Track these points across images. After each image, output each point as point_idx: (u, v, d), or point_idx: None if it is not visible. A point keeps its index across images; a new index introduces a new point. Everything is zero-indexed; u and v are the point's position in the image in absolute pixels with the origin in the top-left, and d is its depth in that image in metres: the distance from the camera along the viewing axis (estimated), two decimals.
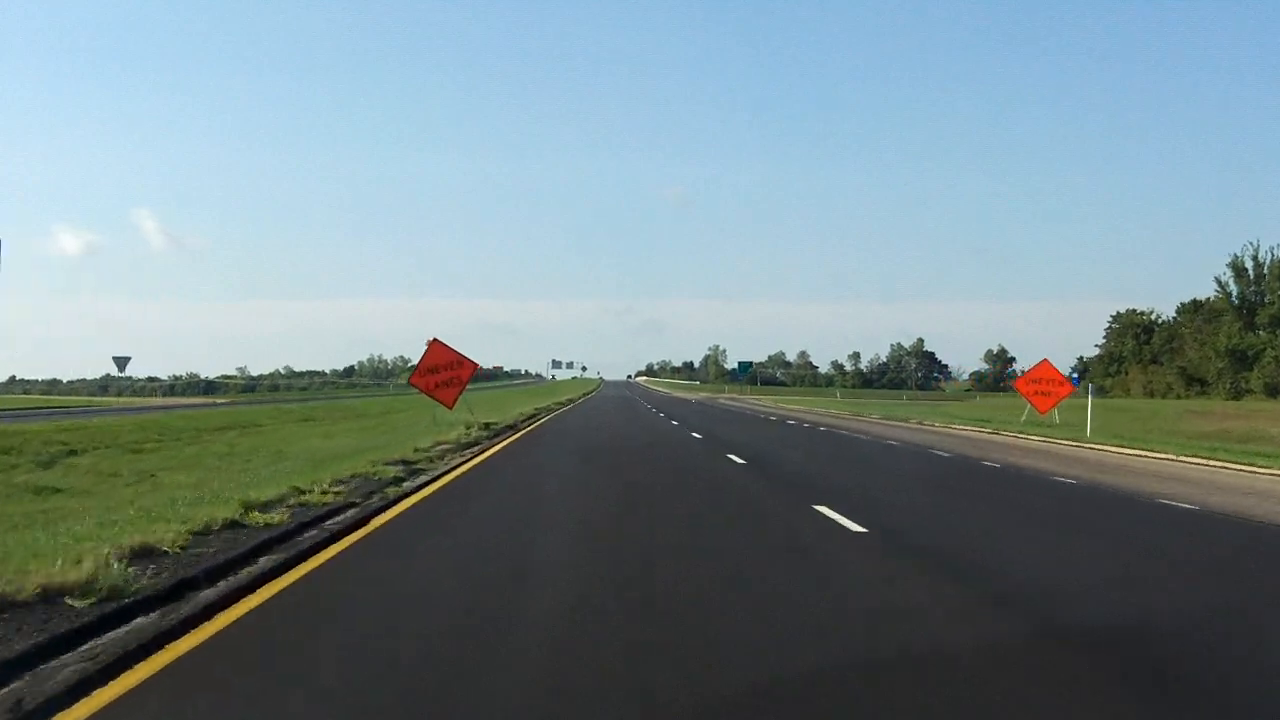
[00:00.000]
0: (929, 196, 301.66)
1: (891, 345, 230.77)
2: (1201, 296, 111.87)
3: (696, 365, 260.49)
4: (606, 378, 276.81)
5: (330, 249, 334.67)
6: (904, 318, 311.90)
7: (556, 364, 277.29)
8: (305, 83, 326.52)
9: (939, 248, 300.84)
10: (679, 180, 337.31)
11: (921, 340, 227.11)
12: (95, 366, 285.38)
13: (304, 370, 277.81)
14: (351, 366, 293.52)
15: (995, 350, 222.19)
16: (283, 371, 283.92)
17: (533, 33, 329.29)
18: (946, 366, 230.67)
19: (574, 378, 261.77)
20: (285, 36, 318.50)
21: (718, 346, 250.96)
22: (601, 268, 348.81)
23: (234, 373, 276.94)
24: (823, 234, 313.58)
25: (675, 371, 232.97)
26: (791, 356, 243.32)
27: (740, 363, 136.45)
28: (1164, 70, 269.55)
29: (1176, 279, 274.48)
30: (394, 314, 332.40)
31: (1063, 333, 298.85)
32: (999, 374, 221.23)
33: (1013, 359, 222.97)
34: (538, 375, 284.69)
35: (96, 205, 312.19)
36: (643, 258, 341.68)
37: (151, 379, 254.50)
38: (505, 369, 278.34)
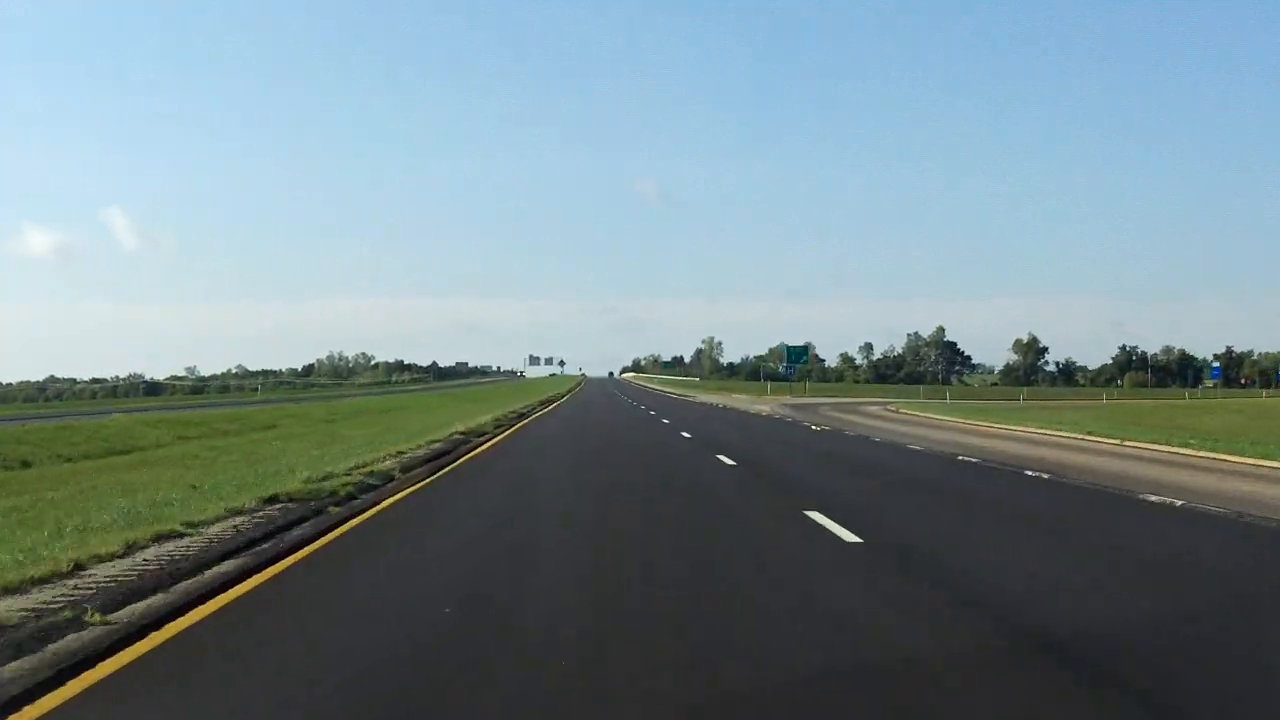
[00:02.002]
0: (928, 193, 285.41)
1: (908, 335, 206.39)
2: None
3: (687, 359, 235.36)
4: (589, 374, 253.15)
5: (295, 249, 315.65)
6: (901, 312, 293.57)
7: (534, 360, 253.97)
8: (274, 81, 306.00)
9: (939, 243, 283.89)
10: (663, 178, 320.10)
11: (942, 329, 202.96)
12: (37, 369, 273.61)
13: (259, 369, 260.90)
14: (310, 365, 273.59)
15: (1025, 340, 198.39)
16: (235, 371, 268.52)
17: (513, 28, 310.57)
18: (970, 358, 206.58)
19: (551, 375, 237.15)
20: (255, 36, 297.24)
21: (712, 339, 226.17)
22: (584, 264, 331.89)
23: (183, 373, 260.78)
24: (812, 230, 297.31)
25: (667, 367, 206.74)
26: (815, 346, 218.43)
27: (789, 348, 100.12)
28: (1164, 70, 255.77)
29: (1181, 276, 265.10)
30: (366, 313, 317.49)
31: (1070, 327, 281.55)
32: (1029, 366, 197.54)
33: (1045, 349, 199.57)
34: (511, 372, 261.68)
35: (47, 205, 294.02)
36: (627, 254, 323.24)
37: (95, 380, 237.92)
38: (471, 364, 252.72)
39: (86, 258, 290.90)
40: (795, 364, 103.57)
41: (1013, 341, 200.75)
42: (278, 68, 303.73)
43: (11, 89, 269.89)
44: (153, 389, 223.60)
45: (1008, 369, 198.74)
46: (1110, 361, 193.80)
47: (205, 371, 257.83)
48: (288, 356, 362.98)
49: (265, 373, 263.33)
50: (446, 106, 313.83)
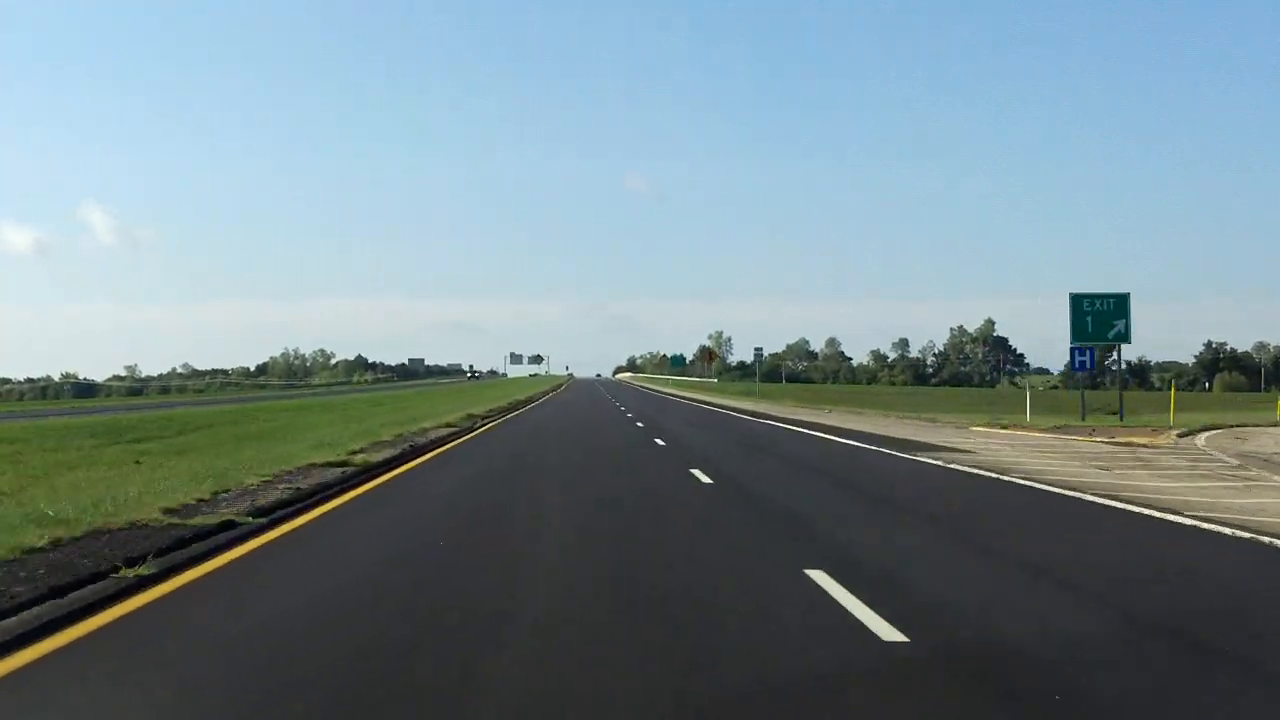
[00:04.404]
0: (928, 192, 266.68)
1: (951, 330, 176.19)
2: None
3: (689, 358, 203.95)
4: (578, 375, 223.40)
5: (273, 247, 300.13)
6: (903, 312, 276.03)
7: (515, 358, 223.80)
8: (254, 79, 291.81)
9: (943, 242, 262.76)
10: (658, 176, 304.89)
11: (991, 323, 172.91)
12: None
13: (208, 369, 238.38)
14: (264, 363, 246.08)
15: None
16: (180, 370, 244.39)
17: (511, 29, 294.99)
18: (1023, 356, 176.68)
19: (532, 375, 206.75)
20: (232, 33, 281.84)
21: (719, 334, 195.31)
22: (578, 263, 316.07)
23: (122, 373, 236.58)
24: (811, 229, 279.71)
25: (674, 365, 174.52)
26: (817, 345, 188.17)
27: (1093, 303, 35.43)
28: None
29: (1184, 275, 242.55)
30: (351, 314, 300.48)
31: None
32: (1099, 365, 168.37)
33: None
34: (491, 372, 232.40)
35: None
36: (620, 254, 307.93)
37: (29, 380, 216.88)
38: (428, 363, 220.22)
39: (28, 256, 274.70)
40: (1103, 340, 37.62)
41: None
42: (257, 65, 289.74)
43: None
44: (86, 390, 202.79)
45: (1069, 369, 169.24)
46: (1194, 360, 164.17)
47: (152, 371, 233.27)
48: (214, 355, 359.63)
49: (214, 372, 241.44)
50: (437, 106, 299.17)
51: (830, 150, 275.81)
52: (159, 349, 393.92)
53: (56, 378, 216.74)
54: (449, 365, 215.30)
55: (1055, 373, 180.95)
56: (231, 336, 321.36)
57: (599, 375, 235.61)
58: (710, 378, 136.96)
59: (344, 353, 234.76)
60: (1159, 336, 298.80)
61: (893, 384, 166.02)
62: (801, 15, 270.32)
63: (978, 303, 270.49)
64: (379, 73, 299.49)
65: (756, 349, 61.74)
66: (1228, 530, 10.24)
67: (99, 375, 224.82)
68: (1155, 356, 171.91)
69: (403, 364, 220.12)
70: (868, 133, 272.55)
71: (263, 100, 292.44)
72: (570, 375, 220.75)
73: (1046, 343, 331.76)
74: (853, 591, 7.07)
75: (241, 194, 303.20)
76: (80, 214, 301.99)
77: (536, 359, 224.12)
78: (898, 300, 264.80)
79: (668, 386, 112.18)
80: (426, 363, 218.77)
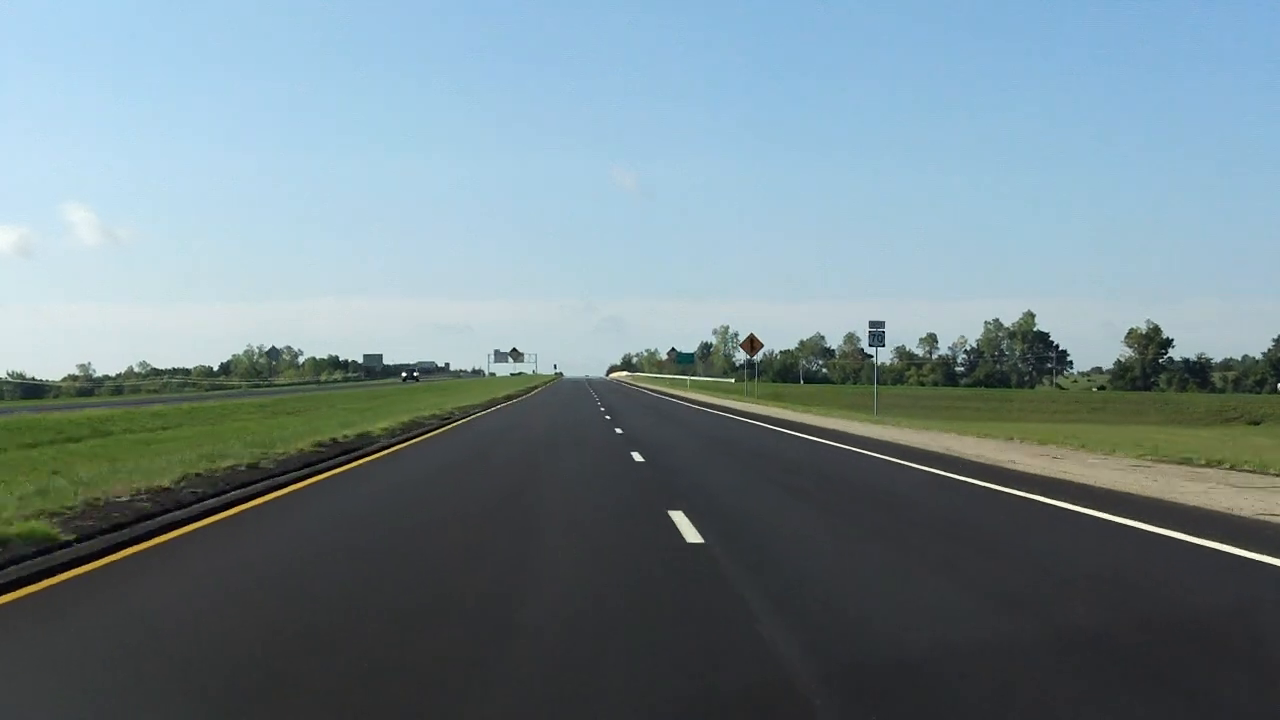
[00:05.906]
0: (926, 191, 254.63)
1: (986, 324, 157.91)
2: None
3: (694, 356, 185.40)
4: (568, 375, 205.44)
5: (258, 247, 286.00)
6: (908, 310, 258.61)
7: (500, 356, 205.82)
8: (232, 78, 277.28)
9: (949, 241, 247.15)
10: (653, 175, 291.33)
11: (1031, 316, 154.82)
12: None
13: (167, 367, 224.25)
14: (227, 362, 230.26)
15: (1144, 329, 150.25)
16: (138, 369, 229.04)
17: (509, 28, 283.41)
18: (1065, 353, 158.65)
19: (516, 374, 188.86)
20: (219, 28, 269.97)
21: (726, 328, 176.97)
22: (565, 262, 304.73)
23: (76, 372, 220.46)
24: (809, 227, 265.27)
25: (682, 360, 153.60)
26: (835, 342, 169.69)
27: None
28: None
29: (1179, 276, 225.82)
30: (332, 314, 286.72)
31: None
32: (1149, 363, 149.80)
33: (1169, 340, 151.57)
34: (476, 371, 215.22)
35: None
36: (614, 253, 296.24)
37: None
38: (387, 361, 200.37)
39: None
40: None
41: (1127, 332, 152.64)
42: (241, 66, 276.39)
43: None
44: (34, 390, 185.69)
45: (1120, 367, 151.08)
46: (1262, 357, 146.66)
47: (109, 370, 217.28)
48: (176, 354, 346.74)
49: (174, 371, 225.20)
50: (424, 104, 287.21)
51: (830, 147, 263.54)
52: (153, 349, 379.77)
53: (4, 376, 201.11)
54: (419, 363, 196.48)
55: (1076, 372, 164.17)
56: (213, 336, 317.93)
57: (588, 377, 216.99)
58: (732, 376, 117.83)
59: (323, 354, 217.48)
60: (1218, 333, 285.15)
61: (921, 384, 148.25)
62: (803, 14, 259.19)
63: (984, 302, 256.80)
64: (373, 71, 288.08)
65: (874, 324, 36.13)
66: None
67: (56, 375, 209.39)
68: (1216, 354, 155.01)
69: (360, 361, 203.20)
70: (867, 130, 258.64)
71: (241, 101, 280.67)
72: (559, 374, 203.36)
73: (1082, 341, 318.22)
74: None
75: (217, 194, 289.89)
76: (47, 212, 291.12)
77: (517, 356, 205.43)
78: (899, 299, 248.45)
79: (687, 389, 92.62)
80: (389, 361, 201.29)
